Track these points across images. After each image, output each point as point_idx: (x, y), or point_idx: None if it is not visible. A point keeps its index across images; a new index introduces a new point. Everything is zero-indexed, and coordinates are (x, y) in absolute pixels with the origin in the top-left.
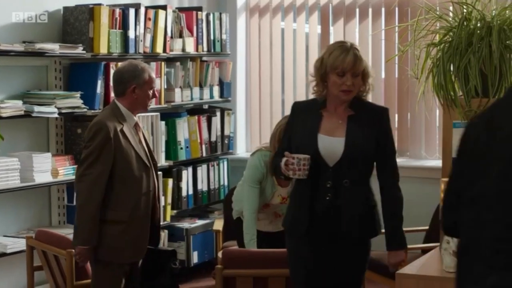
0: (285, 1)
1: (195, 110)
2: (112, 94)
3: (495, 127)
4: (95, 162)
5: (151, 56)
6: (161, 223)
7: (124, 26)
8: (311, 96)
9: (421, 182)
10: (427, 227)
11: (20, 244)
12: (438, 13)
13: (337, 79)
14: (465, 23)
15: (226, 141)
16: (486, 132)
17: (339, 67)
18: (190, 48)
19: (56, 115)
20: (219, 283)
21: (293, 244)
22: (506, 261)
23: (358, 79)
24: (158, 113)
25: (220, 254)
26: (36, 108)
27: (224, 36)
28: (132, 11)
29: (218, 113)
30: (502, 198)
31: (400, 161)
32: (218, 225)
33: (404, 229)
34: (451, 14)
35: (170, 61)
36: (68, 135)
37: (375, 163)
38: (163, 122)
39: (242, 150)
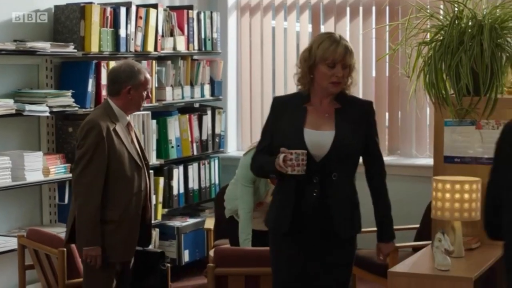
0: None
1: (186, 109)
2: (103, 93)
3: None
4: (90, 162)
5: (142, 55)
6: (152, 222)
7: (115, 24)
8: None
9: (412, 180)
10: (417, 225)
11: (11, 243)
12: (429, 11)
13: (327, 70)
14: (456, 22)
15: (217, 140)
16: None
17: (329, 58)
18: (181, 47)
19: (47, 114)
20: (211, 282)
21: (277, 243)
22: None
23: (346, 71)
24: (149, 112)
25: (211, 253)
26: (27, 107)
27: (215, 35)
28: (123, 10)
29: (209, 112)
30: None
31: (391, 159)
32: (209, 223)
33: (395, 227)
34: (441, 12)
35: (161, 59)
36: (59, 134)
37: (361, 158)
38: (154, 121)
39: (233, 148)
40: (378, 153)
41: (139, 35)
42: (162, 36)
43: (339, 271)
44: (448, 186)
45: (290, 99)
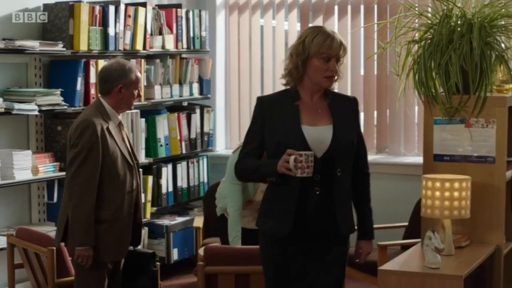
0: None
1: (175, 107)
2: (92, 91)
3: None
4: (85, 161)
5: (131, 53)
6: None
7: (104, 23)
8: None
9: (400, 178)
10: (406, 223)
11: (0, 241)
12: (418, 10)
13: (322, 64)
14: (446, 20)
15: (205, 138)
16: None
17: (325, 52)
18: (170, 45)
19: (36, 113)
20: (201, 280)
21: (275, 246)
22: None
23: (338, 66)
24: (138, 110)
25: (201, 251)
26: (16, 106)
27: (203, 33)
28: (112, 8)
29: (198, 110)
30: None
31: (379, 157)
32: (198, 222)
33: (384, 225)
34: (430, 9)
35: (149, 58)
36: (48, 133)
37: None
38: (143, 119)
39: (221, 147)
40: (364, 150)
41: (128, 34)
42: (151, 34)
43: (338, 270)
44: (438, 184)
45: (277, 98)
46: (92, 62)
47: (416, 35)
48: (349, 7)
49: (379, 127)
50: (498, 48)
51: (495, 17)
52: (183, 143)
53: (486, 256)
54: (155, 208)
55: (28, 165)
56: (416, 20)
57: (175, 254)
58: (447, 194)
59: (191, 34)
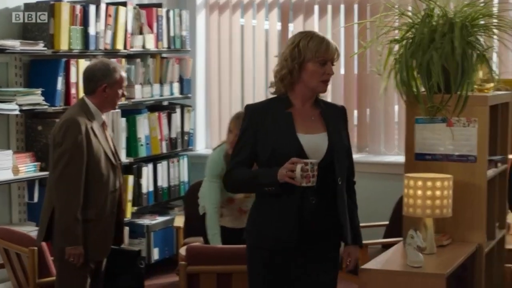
0: None
1: (155, 107)
2: (73, 91)
3: None
4: (71, 160)
5: (111, 53)
6: None
7: (85, 22)
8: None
9: (381, 177)
10: (387, 222)
11: None
12: (399, 9)
13: (318, 68)
14: (427, 20)
15: (186, 138)
16: None
17: (322, 55)
18: (150, 45)
19: (17, 112)
20: (183, 280)
21: (272, 258)
22: None
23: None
24: (118, 110)
25: (181, 251)
26: None
27: (184, 33)
28: (92, 8)
29: (178, 110)
30: None
31: (359, 156)
32: (179, 221)
33: (364, 224)
34: (410, 7)
35: (130, 57)
36: (28, 132)
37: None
38: (123, 119)
39: (202, 146)
40: (352, 159)
41: (109, 33)
42: (132, 34)
43: (334, 271)
44: (420, 183)
45: (267, 105)
46: (72, 61)
47: (398, 34)
48: (329, 7)
49: (360, 126)
50: (479, 47)
51: (476, 17)
52: (163, 143)
53: (468, 254)
54: (135, 208)
55: (9, 165)
56: (397, 19)
57: (155, 254)
58: (429, 193)
59: (172, 34)
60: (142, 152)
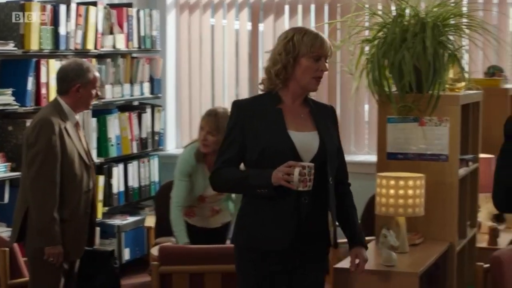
0: None
1: (126, 107)
2: (43, 91)
3: None
4: (45, 160)
5: (82, 53)
6: None
7: (55, 22)
8: (244, 91)
9: (351, 177)
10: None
11: None
12: (370, 9)
13: (313, 64)
14: (399, 19)
15: (156, 138)
16: None
17: (316, 51)
18: (121, 45)
19: None
20: (155, 280)
21: (264, 259)
22: None
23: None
24: (89, 110)
25: (152, 251)
26: None
27: (154, 33)
28: (63, 8)
29: (149, 110)
30: None
31: None
32: (150, 221)
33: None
34: (380, 7)
35: (101, 57)
36: None
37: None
38: (94, 119)
39: (172, 146)
40: (344, 159)
41: (79, 33)
42: (102, 34)
43: (324, 272)
44: (392, 182)
45: (256, 101)
46: (43, 61)
47: (370, 34)
48: (299, 7)
49: None
50: (450, 47)
51: (447, 16)
52: (134, 143)
53: (440, 253)
54: (106, 208)
55: None
56: (367, 19)
57: (126, 254)
58: (401, 192)
59: (142, 34)
60: (113, 152)
